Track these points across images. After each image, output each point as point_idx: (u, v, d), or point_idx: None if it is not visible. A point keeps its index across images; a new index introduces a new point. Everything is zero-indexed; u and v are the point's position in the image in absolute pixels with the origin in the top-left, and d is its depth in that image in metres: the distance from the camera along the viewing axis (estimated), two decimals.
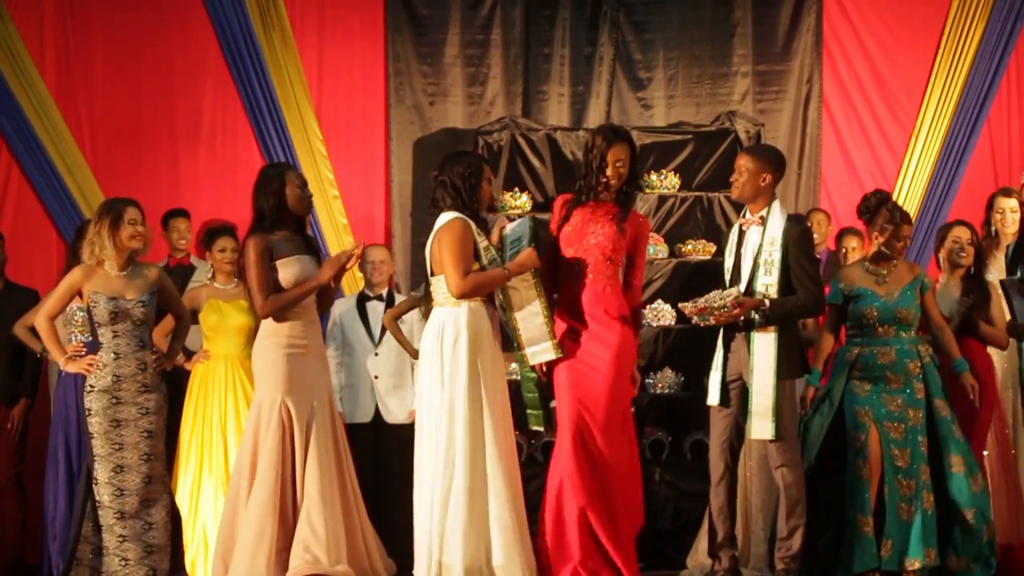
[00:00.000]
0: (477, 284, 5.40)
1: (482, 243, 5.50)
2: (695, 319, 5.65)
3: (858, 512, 5.74)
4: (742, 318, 5.64)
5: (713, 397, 5.80)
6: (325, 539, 5.51)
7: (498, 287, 5.51)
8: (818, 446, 5.85)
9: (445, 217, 5.47)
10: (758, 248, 5.68)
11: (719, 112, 8.44)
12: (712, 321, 5.60)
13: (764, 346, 5.61)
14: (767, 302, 5.58)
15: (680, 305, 5.69)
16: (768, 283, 5.62)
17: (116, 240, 5.80)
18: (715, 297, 5.60)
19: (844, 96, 8.68)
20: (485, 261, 5.48)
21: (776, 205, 5.73)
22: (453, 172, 5.49)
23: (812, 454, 5.85)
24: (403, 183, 8.51)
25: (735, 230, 5.85)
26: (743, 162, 5.74)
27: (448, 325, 5.41)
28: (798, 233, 5.65)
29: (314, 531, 5.52)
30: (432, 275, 5.51)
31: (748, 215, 5.78)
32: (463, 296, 5.40)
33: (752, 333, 5.63)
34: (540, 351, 5.60)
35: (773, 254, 5.63)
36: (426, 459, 5.42)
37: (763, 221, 5.70)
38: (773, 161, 5.77)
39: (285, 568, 5.53)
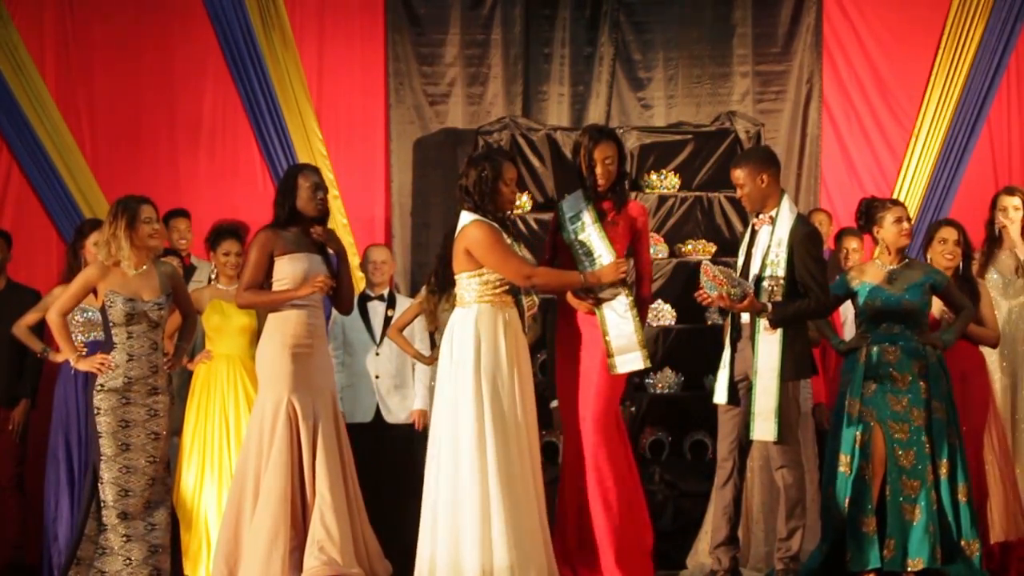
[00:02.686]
0: (548, 277, 5.48)
1: (505, 239, 5.47)
2: (704, 281, 5.54)
3: (860, 512, 5.74)
4: (743, 317, 5.64)
5: (720, 396, 5.76)
6: (339, 540, 5.53)
7: (568, 289, 5.53)
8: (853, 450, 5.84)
9: (466, 218, 5.43)
10: (766, 248, 5.66)
11: (719, 112, 8.44)
12: (713, 296, 5.54)
13: (769, 347, 5.58)
14: (770, 306, 5.55)
15: (704, 265, 5.61)
16: (773, 284, 5.60)
17: (134, 239, 5.78)
18: (733, 278, 5.55)
19: (844, 96, 8.68)
20: None
21: (785, 203, 5.69)
22: (469, 177, 5.44)
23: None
24: (403, 183, 8.51)
25: (749, 229, 5.84)
26: (737, 175, 5.72)
27: (457, 327, 5.43)
28: (804, 234, 5.61)
29: (328, 532, 5.53)
30: (454, 274, 5.54)
31: (760, 215, 5.75)
32: (534, 287, 5.47)
33: (757, 334, 5.62)
34: (630, 360, 5.65)
35: (780, 255, 5.60)
36: (443, 462, 5.38)
37: (773, 221, 5.68)
38: (763, 159, 5.75)
39: (297, 568, 5.54)
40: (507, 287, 5.44)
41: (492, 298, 5.40)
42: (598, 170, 5.70)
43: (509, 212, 5.61)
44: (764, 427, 5.59)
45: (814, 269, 5.58)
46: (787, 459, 5.65)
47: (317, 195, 5.73)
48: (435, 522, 5.36)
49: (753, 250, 5.73)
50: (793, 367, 5.59)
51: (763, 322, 5.58)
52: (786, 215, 5.65)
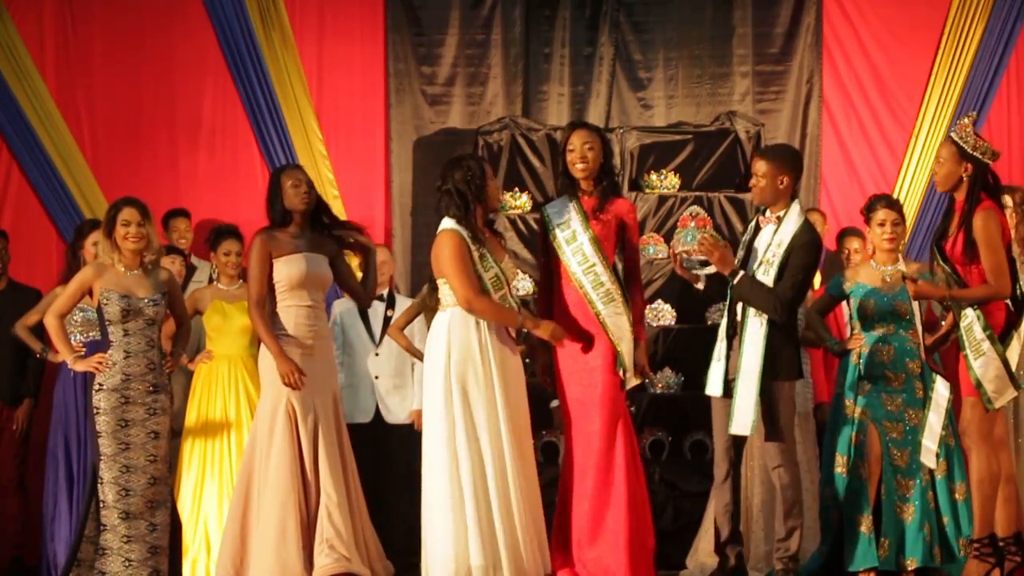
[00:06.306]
0: (485, 308, 5.43)
1: (476, 252, 5.47)
2: (686, 232, 5.61)
3: (856, 511, 5.74)
4: (738, 313, 5.64)
5: (715, 388, 5.71)
6: (348, 539, 5.58)
7: (505, 326, 5.50)
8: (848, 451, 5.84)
9: (443, 225, 5.52)
10: (767, 245, 5.66)
11: (719, 112, 8.44)
12: (692, 247, 5.58)
13: (752, 343, 5.58)
14: (741, 273, 5.56)
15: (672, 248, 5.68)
16: (765, 280, 5.61)
17: (113, 241, 5.81)
18: (683, 238, 5.59)
19: (844, 96, 8.68)
20: (482, 270, 5.48)
21: (795, 207, 5.65)
22: (455, 179, 5.51)
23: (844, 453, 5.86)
24: (403, 183, 8.52)
25: (752, 224, 5.82)
26: (759, 166, 5.68)
27: (433, 331, 5.54)
28: (804, 240, 5.58)
29: (337, 530, 5.58)
30: (435, 278, 5.59)
31: (768, 213, 5.73)
32: (470, 311, 5.45)
33: (744, 330, 5.62)
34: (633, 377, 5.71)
35: (777, 254, 5.59)
36: (423, 464, 5.52)
37: (779, 221, 5.66)
38: (789, 162, 5.71)
39: (307, 567, 5.57)
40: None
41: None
42: (575, 155, 5.65)
43: (496, 212, 5.65)
44: (741, 421, 5.56)
45: (799, 274, 5.55)
46: (783, 458, 5.64)
47: (300, 190, 5.79)
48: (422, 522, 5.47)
49: (755, 244, 5.71)
50: (778, 366, 5.57)
51: (751, 314, 5.58)
52: (793, 218, 5.62)
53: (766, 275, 5.59)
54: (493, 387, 5.42)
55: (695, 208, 6.04)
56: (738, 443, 5.79)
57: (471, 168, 5.50)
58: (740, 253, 5.79)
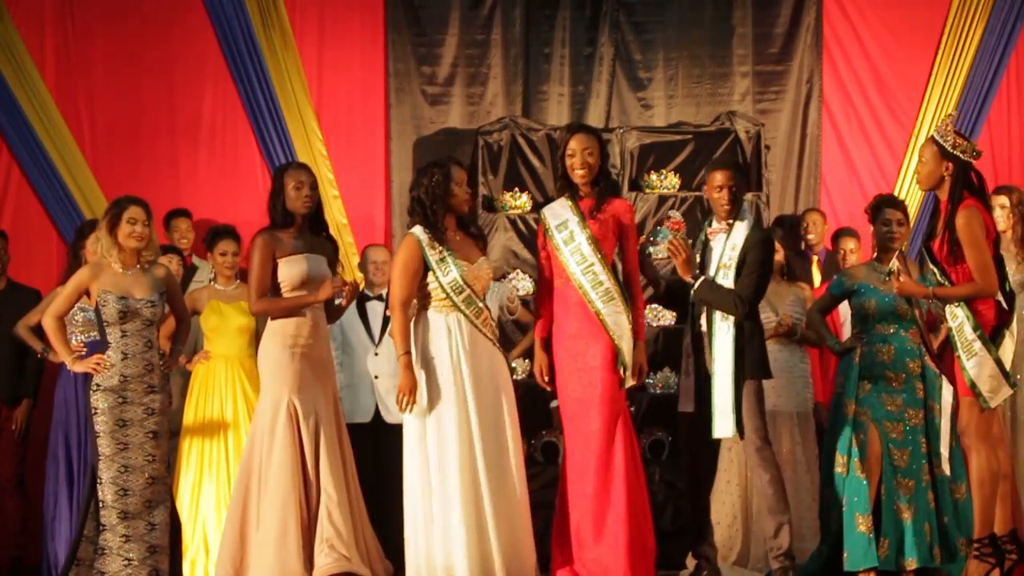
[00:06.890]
0: (395, 320, 5.51)
1: (435, 256, 5.51)
2: (662, 230, 5.66)
3: (856, 511, 5.74)
4: (702, 324, 5.70)
5: (687, 403, 5.80)
6: (348, 538, 5.59)
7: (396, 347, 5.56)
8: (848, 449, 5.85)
9: (410, 231, 5.60)
10: (721, 252, 5.72)
11: (719, 112, 8.44)
12: (662, 244, 5.65)
13: (723, 345, 5.62)
14: (702, 278, 5.63)
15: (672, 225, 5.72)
16: (726, 284, 5.65)
17: (115, 239, 5.80)
18: (652, 237, 5.65)
19: (844, 96, 8.69)
20: (440, 274, 5.51)
21: (744, 210, 5.78)
22: (420, 186, 5.58)
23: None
24: (403, 183, 8.50)
25: (701, 237, 5.88)
26: (727, 178, 5.72)
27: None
28: (757, 239, 5.67)
29: (337, 530, 5.59)
30: None
31: (714, 224, 5.80)
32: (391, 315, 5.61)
33: (713, 334, 5.65)
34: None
35: (733, 257, 5.66)
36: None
37: (730, 227, 5.73)
38: (746, 176, 5.82)
39: (307, 567, 5.58)
40: (445, 295, 5.51)
41: (435, 304, 5.53)
42: (576, 160, 5.69)
43: (482, 212, 5.69)
44: (723, 424, 5.62)
45: (756, 271, 5.63)
46: (758, 457, 5.68)
47: (302, 192, 5.77)
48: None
49: (709, 255, 5.78)
50: (750, 365, 5.63)
51: (717, 319, 5.63)
52: (745, 222, 5.72)
53: (725, 279, 5.67)
54: (463, 387, 5.46)
55: (673, 212, 6.09)
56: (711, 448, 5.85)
57: (434, 175, 5.55)
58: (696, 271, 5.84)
